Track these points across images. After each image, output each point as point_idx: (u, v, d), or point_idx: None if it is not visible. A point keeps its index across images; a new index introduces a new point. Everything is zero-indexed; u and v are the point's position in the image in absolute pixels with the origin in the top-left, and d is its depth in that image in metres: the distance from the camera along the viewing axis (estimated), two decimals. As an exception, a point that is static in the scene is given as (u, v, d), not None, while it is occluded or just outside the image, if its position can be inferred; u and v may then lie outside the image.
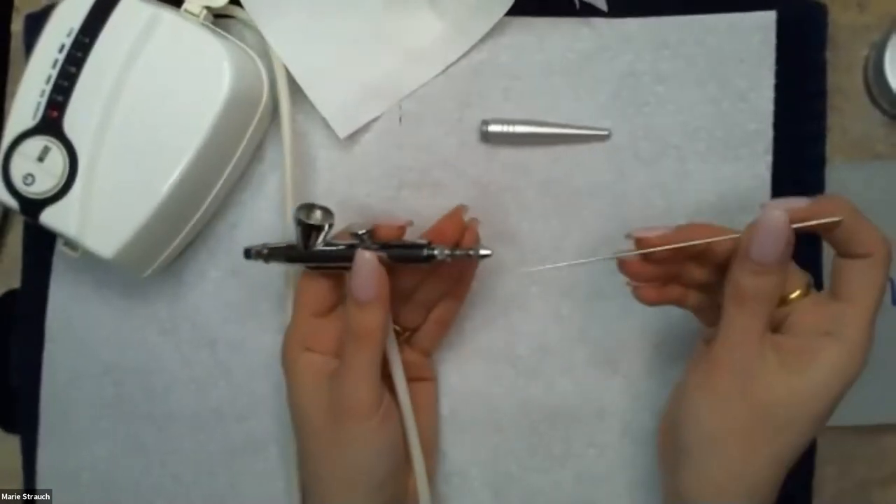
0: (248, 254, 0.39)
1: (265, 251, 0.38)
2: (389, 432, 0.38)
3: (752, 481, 0.34)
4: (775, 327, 0.35)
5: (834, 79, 0.43)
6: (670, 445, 0.37)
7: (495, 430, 0.44)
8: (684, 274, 0.37)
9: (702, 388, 0.35)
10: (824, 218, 0.33)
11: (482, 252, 0.36)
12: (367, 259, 0.36)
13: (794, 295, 0.35)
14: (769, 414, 0.33)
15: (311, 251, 0.37)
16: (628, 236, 0.37)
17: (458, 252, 0.36)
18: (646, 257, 0.37)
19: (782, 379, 0.33)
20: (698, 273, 0.37)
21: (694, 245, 0.35)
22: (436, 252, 0.36)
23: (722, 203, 0.43)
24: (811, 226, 0.34)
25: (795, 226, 0.33)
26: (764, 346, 0.34)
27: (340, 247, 0.37)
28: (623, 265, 0.37)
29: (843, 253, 0.34)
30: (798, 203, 0.34)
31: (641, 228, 0.37)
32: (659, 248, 0.36)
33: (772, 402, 0.33)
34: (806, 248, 0.35)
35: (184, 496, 0.46)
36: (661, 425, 0.39)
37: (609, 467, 0.44)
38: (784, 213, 0.33)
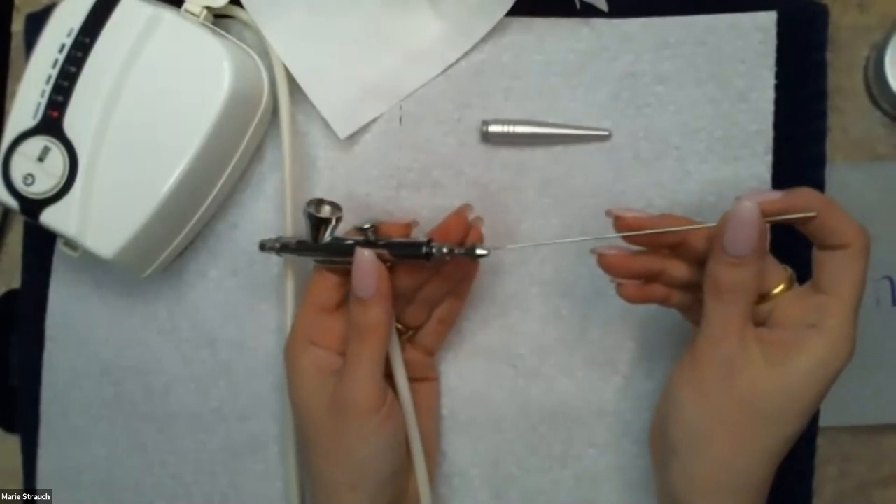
0: (263, 246, 0.41)
1: (278, 244, 0.40)
2: (392, 430, 0.38)
3: (740, 476, 0.34)
4: (760, 323, 0.35)
5: (834, 79, 0.43)
6: (660, 443, 0.37)
7: (495, 430, 0.44)
8: (666, 272, 0.37)
9: (687, 384, 0.35)
10: (798, 211, 0.33)
11: (479, 251, 0.36)
12: (365, 256, 0.36)
13: (776, 290, 0.35)
14: (754, 407, 0.33)
15: (319, 244, 0.38)
16: (608, 213, 0.37)
17: (456, 250, 0.36)
18: (622, 239, 0.37)
19: (766, 372, 0.33)
20: (680, 271, 0.37)
21: (668, 232, 0.36)
22: (434, 250, 0.36)
23: (722, 203, 0.43)
24: (785, 219, 0.34)
25: (770, 219, 0.33)
26: (746, 340, 0.34)
27: (347, 242, 0.38)
28: (601, 259, 0.37)
29: (821, 245, 0.34)
30: (771, 196, 0.34)
31: (620, 207, 0.37)
32: (634, 233, 0.36)
33: (756, 396, 0.33)
34: (797, 241, 0.35)
35: (184, 496, 0.46)
36: (651, 424, 0.39)
37: (609, 467, 0.44)
38: (754, 205, 0.33)
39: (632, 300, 0.38)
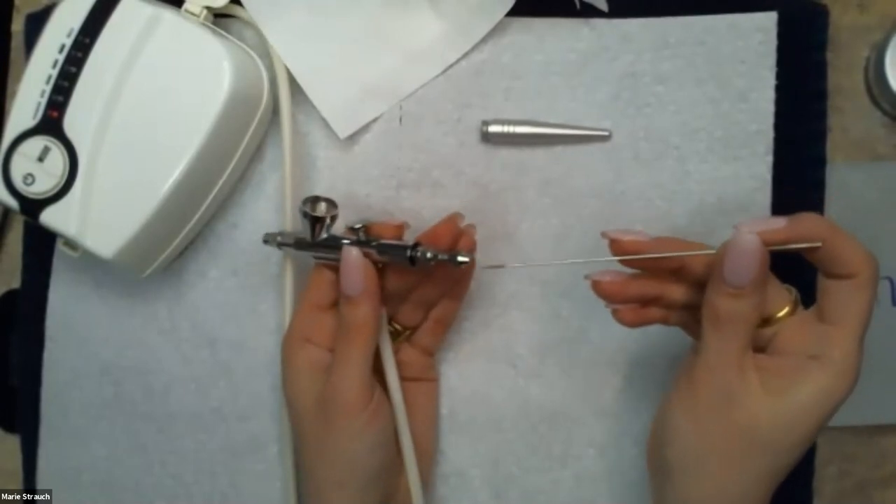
0: (266, 240, 0.42)
1: (279, 238, 0.41)
2: (379, 428, 0.38)
3: (736, 502, 0.34)
4: (762, 347, 0.35)
5: (834, 79, 0.43)
6: (656, 462, 0.36)
7: (495, 430, 0.44)
8: (664, 296, 0.37)
9: (683, 407, 0.35)
10: (803, 240, 0.32)
11: (460, 259, 0.36)
12: (352, 255, 0.37)
13: (780, 314, 0.35)
14: (751, 437, 0.33)
15: (314, 241, 0.38)
16: (604, 235, 0.36)
17: (440, 256, 0.36)
18: (620, 262, 0.36)
19: (764, 401, 0.33)
20: (678, 294, 0.36)
21: (667, 257, 0.35)
22: (419, 254, 0.36)
23: (722, 203, 0.43)
24: (790, 249, 0.33)
25: (773, 248, 0.33)
26: (745, 368, 0.33)
27: (342, 241, 0.38)
28: (595, 286, 0.36)
29: (827, 273, 0.33)
30: (774, 225, 0.33)
31: (616, 230, 0.36)
32: (631, 257, 0.35)
33: (753, 426, 0.33)
34: (802, 262, 0.34)
35: (184, 496, 0.46)
36: (648, 439, 0.38)
37: (609, 468, 0.44)
38: (755, 236, 0.32)
39: (629, 325, 0.37)
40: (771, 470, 0.33)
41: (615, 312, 0.37)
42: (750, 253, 0.32)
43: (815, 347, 0.33)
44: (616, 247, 0.36)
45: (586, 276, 0.37)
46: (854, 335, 0.33)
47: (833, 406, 0.33)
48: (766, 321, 0.35)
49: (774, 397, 0.33)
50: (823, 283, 0.34)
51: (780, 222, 0.33)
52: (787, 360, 0.33)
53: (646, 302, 0.37)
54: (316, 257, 0.39)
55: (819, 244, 0.32)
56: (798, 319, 0.34)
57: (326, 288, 0.39)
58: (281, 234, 0.41)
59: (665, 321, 0.37)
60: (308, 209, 0.38)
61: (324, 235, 0.38)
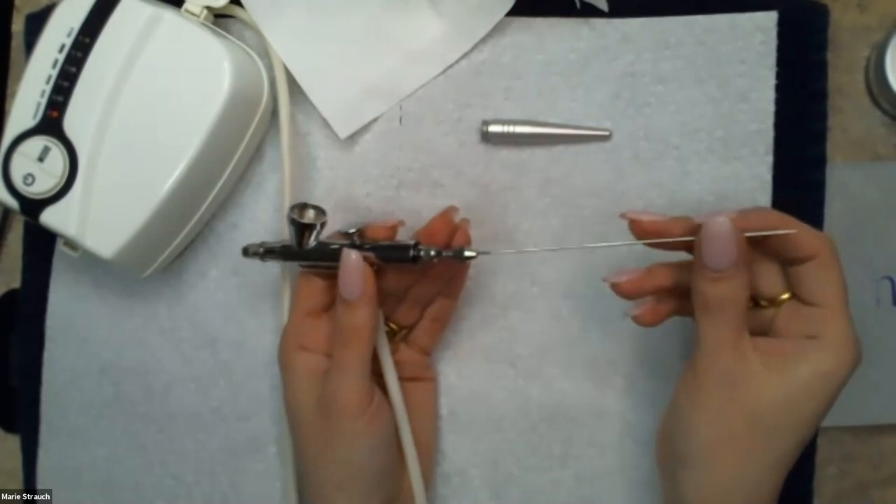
0: (246, 252, 0.40)
1: (261, 249, 0.39)
2: (379, 430, 0.38)
3: (750, 489, 0.34)
4: (763, 331, 0.35)
5: (835, 79, 0.43)
6: (667, 454, 0.37)
7: (495, 430, 0.44)
8: (678, 283, 0.37)
9: (690, 399, 0.35)
10: (772, 229, 0.33)
11: (466, 254, 0.36)
12: (352, 258, 0.36)
13: (784, 296, 0.35)
14: (758, 418, 0.33)
15: (304, 250, 0.38)
16: (623, 216, 0.36)
17: (444, 253, 0.36)
18: (632, 236, 0.36)
19: (767, 381, 0.33)
20: (689, 279, 0.36)
21: (679, 241, 0.35)
22: (422, 253, 0.36)
23: (722, 203, 0.43)
24: (763, 235, 0.33)
25: (748, 234, 0.33)
26: (744, 351, 0.34)
27: (332, 246, 0.37)
28: (615, 288, 0.36)
29: (791, 260, 0.34)
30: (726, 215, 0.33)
31: (633, 211, 0.36)
32: (646, 242, 0.36)
33: (760, 407, 0.33)
34: None
35: (184, 496, 0.46)
36: (657, 434, 0.38)
37: (609, 467, 0.44)
38: (727, 220, 0.33)
39: (650, 325, 0.37)
40: (781, 454, 0.34)
41: (636, 319, 0.37)
42: (724, 235, 0.33)
43: (811, 328, 0.34)
44: (637, 227, 0.36)
45: (604, 279, 0.37)
46: (839, 312, 0.33)
47: (835, 385, 0.33)
48: (772, 301, 0.35)
49: (776, 374, 0.33)
50: (792, 272, 0.34)
51: (731, 215, 0.33)
52: (787, 341, 0.34)
53: (660, 295, 0.37)
54: (304, 265, 0.39)
55: (795, 231, 0.33)
56: (796, 302, 0.35)
57: (317, 295, 0.39)
58: (262, 244, 0.39)
59: (681, 312, 0.38)
60: (296, 216, 0.37)
61: (313, 242, 0.38)
